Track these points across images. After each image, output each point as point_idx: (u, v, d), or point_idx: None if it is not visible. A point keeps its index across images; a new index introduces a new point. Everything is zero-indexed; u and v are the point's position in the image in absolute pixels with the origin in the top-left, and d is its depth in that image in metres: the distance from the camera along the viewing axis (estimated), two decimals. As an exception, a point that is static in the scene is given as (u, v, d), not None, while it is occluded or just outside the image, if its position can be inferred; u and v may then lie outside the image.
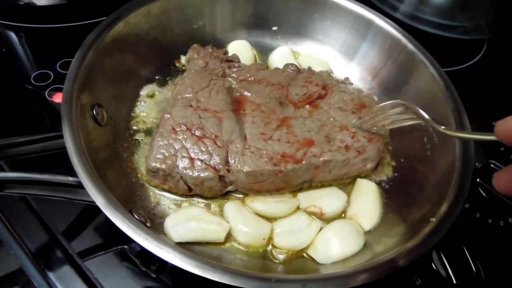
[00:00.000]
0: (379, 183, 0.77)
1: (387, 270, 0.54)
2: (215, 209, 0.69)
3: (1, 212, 0.67)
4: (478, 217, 0.78)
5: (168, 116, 0.69)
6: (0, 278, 0.63)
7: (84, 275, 0.62)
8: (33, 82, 0.86)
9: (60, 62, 0.90)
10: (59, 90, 0.84)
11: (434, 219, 0.60)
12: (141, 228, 0.51)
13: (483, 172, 0.82)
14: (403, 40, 0.83)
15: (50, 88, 0.85)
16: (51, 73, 0.88)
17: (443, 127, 0.62)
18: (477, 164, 0.85)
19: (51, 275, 0.62)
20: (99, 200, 0.53)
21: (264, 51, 0.95)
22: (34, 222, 0.67)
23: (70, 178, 0.56)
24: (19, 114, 0.82)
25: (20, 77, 0.88)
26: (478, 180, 0.82)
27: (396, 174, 0.78)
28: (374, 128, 0.72)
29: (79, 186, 0.56)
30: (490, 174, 0.82)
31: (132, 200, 0.66)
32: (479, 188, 0.81)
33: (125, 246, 0.66)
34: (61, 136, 0.59)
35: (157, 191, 0.69)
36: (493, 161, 0.83)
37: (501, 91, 1.05)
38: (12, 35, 0.97)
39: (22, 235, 0.66)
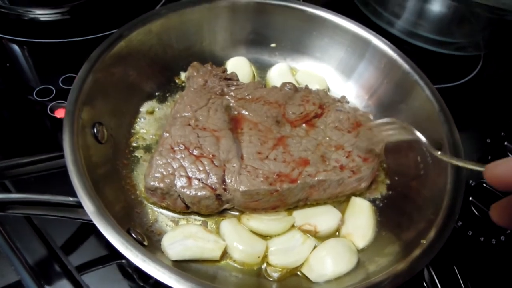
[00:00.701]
0: (373, 201, 0.78)
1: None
2: (212, 226, 0.70)
3: (2, 227, 0.69)
4: (471, 235, 0.79)
5: (167, 135, 0.71)
6: (0, 292, 0.65)
7: (82, 289, 0.64)
8: (36, 97, 0.88)
9: (62, 77, 0.91)
10: (61, 105, 0.86)
11: (424, 241, 0.62)
12: (138, 249, 0.53)
13: (475, 191, 0.84)
14: (399, 60, 0.85)
15: (52, 103, 0.86)
16: (53, 88, 0.89)
17: (439, 152, 0.63)
18: (470, 182, 0.86)
19: (48, 289, 0.64)
20: (99, 222, 0.54)
21: (262, 68, 0.97)
22: (33, 237, 0.69)
23: (71, 199, 0.58)
24: (21, 129, 0.84)
25: (23, 92, 0.89)
26: (470, 198, 0.83)
27: (390, 192, 0.80)
28: (371, 145, 0.73)
29: (80, 206, 0.57)
30: (483, 193, 0.84)
31: (131, 217, 0.67)
32: (472, 207, 0.82)
33: (123, 261, 0.68)
34: (63, 156, 0.60)
35: (155, 208, 0.71)
36: (486, 180, 0.84)
37: (497, 107, 1.07)
38: (16, 49, 0.99)
39: (22, 250, 0.67)
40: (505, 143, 0.94)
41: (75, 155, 0.60)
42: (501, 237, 0.79)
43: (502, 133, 0.97)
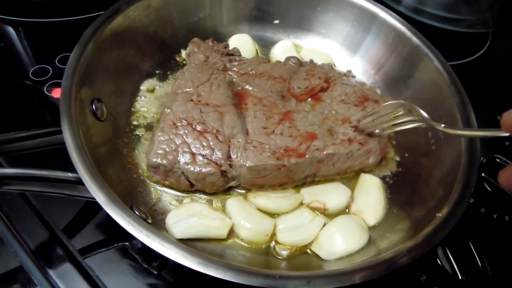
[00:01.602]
0: (383, 178, 0.76)
1: (391, 267, 0.53)
2: (217, 205, 0.68)
3: (1, 209, 0.66)
4: (483, 212, 0.77)
5: (169, 111, 0.68)
6: (0, 276, 0.63)
7: (85, 273, 0.62)
8: (32, 77, 0.85)
9: (59, 56, 0.88)
10: (58, 85, 0.83)
11: (440, 214, 0.59)
12: (142, 225, 0.50)
13: (488, 167, 0.81)
14: (408, 33, 0.82)
15: (49, 83, 0.84)
16: (49, 68, 0.87)
17: (442, 125, 0.60)
18: (482, 158, 0.83)
19: (51, 272, 0.62)
20: (99, 197, 0.52)
21: (265, 45, 0.94)
22: (33, 219, 0.66)
23: (70, 174, 0.55)
24: (17, 110, 0.81)
25: (19, 72, 0.87)
26: (483, 175, 0.80)
27: (400, 169, 0.77)
28: (376, 130, 0.71)
29: (79, 182, 0.55)
30: (495, 169, 0.81)
31: (133, 196, 0.65)
32: (484, 183, 0.80)
33: (126, 243, 0.65)
34: (60, 131, 0.57)
35: (158, 187, 0.68)
36: (498, 156, 0.81)
37: (506, 85, 1.04)
38: (10, 29, 0.96)
39: (22, 232, 0.65)
40: (517, 119, 0.91)
41: (74, 129, 0.58)
42: (515, 214, 0.77)
43: (513, 110, 0.94)
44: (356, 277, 0.50)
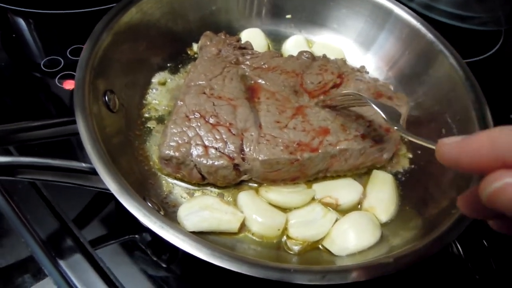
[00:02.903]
0: (395, 175, 0.75)
1: (406, 264, 0.52)
2: (229, 198, 0.67)
3: (11, 198, 0.66)
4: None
5: (181, 103, 0.68)
6: (11, 266, 0.63)
7: (95, 264, 0.61)
8: (43, 68, 0.85)
9: (70, 48, 0.88)
10: (70, 77, 0.83)
11: (454, 211, 0.59)
12: (156, 216, 0.50)
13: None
14: (422, 29, 0.81)
15: (60, 74, 0.83)
16: (61, 59, 0.86)
17: (395, 128, 0.58)
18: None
19: (62, 263, 0.61)
20: (113, 187, 0.51)
21: (277, 40, 0.93)
22: (44, 209, 0.66)
23: (84, 164, 0.55)
24: (28, 101, 0.81)
25: (30, 64, 0.86)
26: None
27: (413, 166, 0.76)
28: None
29: (92, 172, 0.54)
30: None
31: (145, 188, 0.64)
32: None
33: (136, 236, 0.65)
34: (74, 122, 0.57)
35: (169, 180, 0.68)
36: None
37: (518, 84, 1.03)
38: (21, 21, 0.96)
39: (33, 222, 0.65)
40: (531, 118, 0.90)
41: (87, 120, 0.57)
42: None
43: (526, 109, 0.93)
44: (370, 273, 0.50)
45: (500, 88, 1.01)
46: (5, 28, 0.94)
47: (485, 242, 0.69)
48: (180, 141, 0.64)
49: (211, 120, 0.66)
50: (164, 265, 0.64)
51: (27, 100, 0.81)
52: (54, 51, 0.88)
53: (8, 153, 0.67)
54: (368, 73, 0.82)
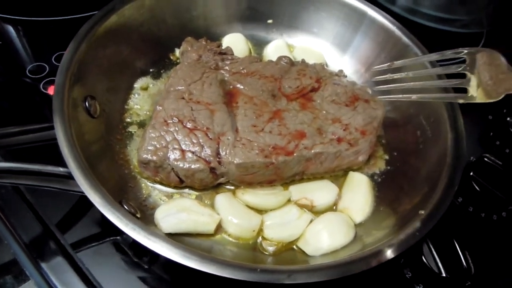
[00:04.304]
0: (371, 176, 0.77)
1: (373, 262, 0.54)
2: (206, 201, 0.69)
3: (-5, 202, 0.68)
4: (472, 211, 0.78)
5: (160, 108, 0.69)
6: (-7, 268, 0.65)
7: (76, 266, 0.63)
8: (29, 74, 0.87)
9: (56, 54, 0.90)
10: (54, 82, 0.85)
11: (423, 212, 0.60)
12: (129, 219, 0.52)
13: (476, 166, 0.82)
14: (397, 32, 0.83)
15: (45, 80, 0.85)
16: (46, 65, 0.88)
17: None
18: (471, 158, 0.84)
19: (44, 265, 0.63)
20: (88, 191, 0.53)
21: (259, 44, 0.95)
22: (28, 213, 0.68)
23: (61, 169, 0.57)
24: (15, 106, 0.83)
25: (17, 70, 0.88)
26: (471, 174, 0.81)
27: (389, 167, 0.78)
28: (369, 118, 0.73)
29: (70, 176, 0.56)
30: (484, 168, 0.82)
31: (124, 191, 0.66)
32: (473, 182, 0.81)
33: (118, 238, 0.67)
34: (53, 127, 0.59)
35: (149, 183, 0.70)
36: (487, 155, 0.82)
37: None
38: (10, 28, 0.98)
39: (16, 226, 0.66)
40: (508, 118, 0.92)
41: (65, 125, 0.59)
42: (503, 213, 0.78)
43: (504, 110, 0.95)
44: (336, 272, 0.52)
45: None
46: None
47: (455, 242, 0.70)
48: (158, 145, 0.65)
49: (189, 125, 0.67)
50: (145, 266, 0.65)
51: (13, 105, 0.83)
52: (40, 58, 0.89)
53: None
54: (346, 76, 0.84)
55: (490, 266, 0.70)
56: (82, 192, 0.55)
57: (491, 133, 0.90)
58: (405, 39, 0.82)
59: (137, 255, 0.66)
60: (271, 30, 0.96)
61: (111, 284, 0.62)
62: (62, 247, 0.65)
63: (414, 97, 0.72)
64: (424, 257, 0.70)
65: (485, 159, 0.82)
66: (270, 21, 0.95)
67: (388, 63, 0.76)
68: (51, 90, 0.83)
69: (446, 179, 0.64)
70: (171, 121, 0.68)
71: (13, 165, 0.54)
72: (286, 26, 0.95)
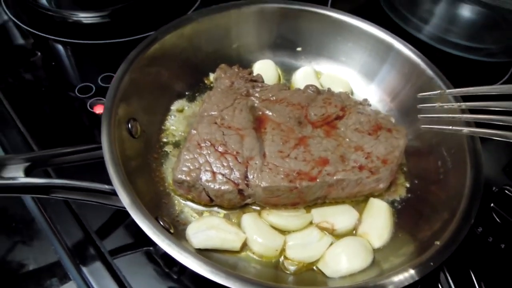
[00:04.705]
0: (391, 203, 0.79)
1: (389, 287, 0.57)
2: (233, 220, 0.74)
3: (45, 211, 0.76)
4: (491, 241, 0.79)
5: (195, 132, 0.75)
6: (41, 269, 0.72)
7: (113, 272, 0.70)
8: (77, 94, 0.95)
9: (102, 76, 0.98)
10: (100, 101, 0.93)
11: (438, 242, 0.63)
12: (165, 235, 0.58)
13: (497, 197, 0.83)
14: (422, 65, 0.86)
15: (91, 99, 0.94)
16: (93, 85, 0.97)
17: None
18: (493, 188, 0.86)
19: (84, 269, 0.70)
20: (130, 207, 0.60)
21: (288, 70, 1.00)
22: (72, 221, 0.75)
23: (106, 186, 0.63)
24: (63, 123, 0.91)
25: (66, 89, 0.97)
26: (492, 205, 0.83)
27: (409, 195, 0.81)
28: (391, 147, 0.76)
29: (114, 193, 0.63)
30: (505, 199, 0.83)
31: (159, 207, 0.72)
32: (493, 213, 0.82)
33: (151, 248, 0.73)
34: (100, 148, 0.66)
35: (181, 200, 0.76)
36: (508, 187, 0.84)
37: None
38: (61, 49, 1.08)
39: (61, 232, 0.74)
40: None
41: (112, 147, 0.66)
42: (523, 245, 0.78)
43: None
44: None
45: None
46: (46, 55, 1.06)
47: (471, 272, 0.72)
48: (191, 167, 0.71)
49: (220, 149, 0.73)
50: (175, 276, 0.71)
51: (60, 124, 0.91)
52: (87, 78, 0.98)
53: (46, 174, 0.78)
54: (370, 105, 0.88)
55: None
56: (123, 207, 0.62)
57: (514, 173, 0.91)
58: (429, 71, 0.85)
59: (167, 265, 0.71)
60: (300, 57, 1.01)
61: (144, 291, 0.68)
62: (101, 253, 0.72)
63: (465, 130, 0.68)
64: (441, 285, 0.72)
65: (506, 191, 0.83)
66: (299, 49, 1.01)
67: (440, 91, 0.73)
68: (97, 109, 0.91)
69: (463, 211, 0.66)
70: (204, 145, 0.74)
71: (66, 182, 0.61)
72: (314, 54, 1.00)
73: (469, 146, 0.75)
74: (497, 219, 0.81)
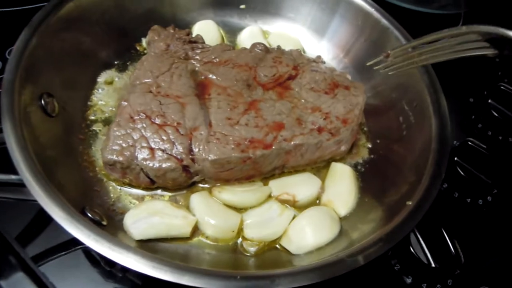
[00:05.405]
0: (354, 166, 0.74)
1: (360, 260, 0.51)
2: (181, 202, 0.64)
3: None
4: (457, 196, 0.76)
5: (126, 103, 0.64)
6: None
7: (38, 281, 0.57)
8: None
9: (10, 49, 0.82)
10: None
11: (410, 203, 0.58)
12: (90, 229, 0.47)
13: (461, 151, 0.80)
14: (376, 14, 0.80)
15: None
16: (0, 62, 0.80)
17: None
18: (455, 142, 0.82)
19: (2, 283, 0.57)
20: (43, 199, 0.48)
21: (232, 31, 0.90)
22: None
23: (13, 177, 0.51)
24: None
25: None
26: (456, 158, 0.79)
27: (372, 156, 0.75)
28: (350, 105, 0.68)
29: (24, 184, 0.50)
30: (468, 153, 0.80)
31: (89, 197, 0.61)
32: (457, 167, 0.79)
33: (87, 246, 0.61)
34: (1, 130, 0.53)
35: (117, 186, 0.64)
36: (471, 139, 0.80)
37: (479, 66, 1.02)
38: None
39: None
40: (489, 100, 0.90)
41: (16, 128, 0.53)
42: (488, 198, 0.76)
43: (485, 92, 0.93)
44: (322, 273, 0.48)
45: (460, 72, 1.01)
46: None
47: (443, 230, 0.68)
48: (124, 145, 0.60)
49: (158, 120, 0.62)
50: (119, 275, 0.61)
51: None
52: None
53: None
54: (324, 62, 0.80)
55: (478, 252, 0.68)
56: (36, 201, 0.49)
57: (473, 116, 0.88)
58: (384, 21, 0.79)
59: (108, 263, 0.61)
60: (244, 16, 0.91)
61: (79, 298, 0.57)
62: (22, 261, 0.59)
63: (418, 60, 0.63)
64: (412, 248, 0.67)
65: (469, 143, 0.80)
66: (243, 6, 0.90)
67: (383, 54, 0.69)
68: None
69: (432, 167, 0.61)
70: (138, 117, 0.62)
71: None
72: (260, 11, 0.90)
73: (431, 98, 0.70)
74: (462, 173, 0.78)
